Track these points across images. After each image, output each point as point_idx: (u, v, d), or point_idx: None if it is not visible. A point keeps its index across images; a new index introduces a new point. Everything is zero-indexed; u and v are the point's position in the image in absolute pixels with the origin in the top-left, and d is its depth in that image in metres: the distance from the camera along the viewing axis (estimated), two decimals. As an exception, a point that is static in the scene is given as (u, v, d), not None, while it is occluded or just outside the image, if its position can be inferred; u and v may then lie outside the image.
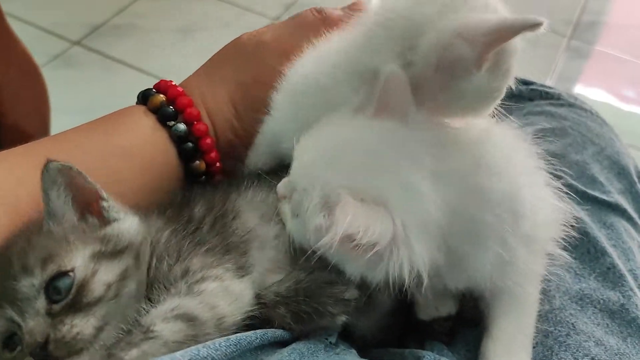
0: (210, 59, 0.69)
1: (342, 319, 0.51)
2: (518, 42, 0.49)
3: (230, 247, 0.53)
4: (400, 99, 0.48)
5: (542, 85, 0.88)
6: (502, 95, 0.52)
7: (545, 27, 0.44)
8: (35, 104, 1.10)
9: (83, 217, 0.52)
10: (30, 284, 0.46)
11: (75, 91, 1.77)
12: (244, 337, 0.48)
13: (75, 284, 0.46)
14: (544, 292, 0.59)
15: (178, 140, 0.62)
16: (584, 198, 0.69)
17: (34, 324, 0.45)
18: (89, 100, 1.75)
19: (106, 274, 0.48)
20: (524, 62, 0.51)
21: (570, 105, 0.83)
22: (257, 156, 0.65)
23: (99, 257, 0.48)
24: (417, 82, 0.49)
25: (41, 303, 0.45)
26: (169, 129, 0.62)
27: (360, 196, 0.44)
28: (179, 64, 1.86)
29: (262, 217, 0.57)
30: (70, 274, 0.46)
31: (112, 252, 0.49)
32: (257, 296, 0.52)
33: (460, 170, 0.49)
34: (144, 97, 0.64)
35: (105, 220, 0.51)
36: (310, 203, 0.46)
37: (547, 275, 0.58)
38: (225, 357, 0.46)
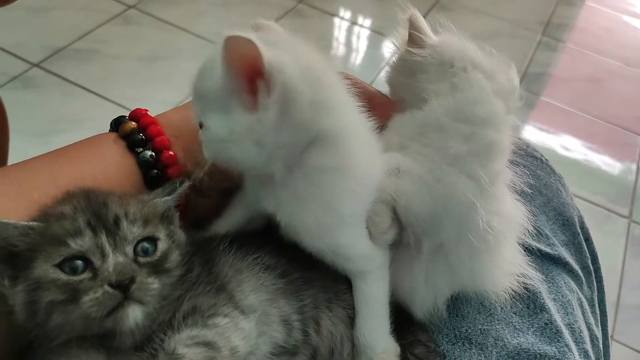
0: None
1: None
2: None
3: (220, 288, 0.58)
4: None
5: None
6: None
7: None
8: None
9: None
10: (130, 230, 0.52)
11: (33, 113, 1.76)
12: None
13: (160, 249, 0.53)
14: (482, 347, 0.62)
15: (144, 166, 0.63)
16: (527, 250, 0.70)
17: (124, 261, 0.50)
18: (45, 123, 1.74)
19: (175, 254, 0.55)
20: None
21: (522, 151, 0.84)
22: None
23: (171, 239, 0.56)
24: None
25: (130, 250, 0.52)
26: (137, 155, 0.63)
27: None
28: (138, 92, 1.88)
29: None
30: (157, 242, 0.54)
31: (176, 242, 0.56)
32: None
33: None
34: (116, 124, 0.65)
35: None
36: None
37: (485, 329, 0.62)
38: None
